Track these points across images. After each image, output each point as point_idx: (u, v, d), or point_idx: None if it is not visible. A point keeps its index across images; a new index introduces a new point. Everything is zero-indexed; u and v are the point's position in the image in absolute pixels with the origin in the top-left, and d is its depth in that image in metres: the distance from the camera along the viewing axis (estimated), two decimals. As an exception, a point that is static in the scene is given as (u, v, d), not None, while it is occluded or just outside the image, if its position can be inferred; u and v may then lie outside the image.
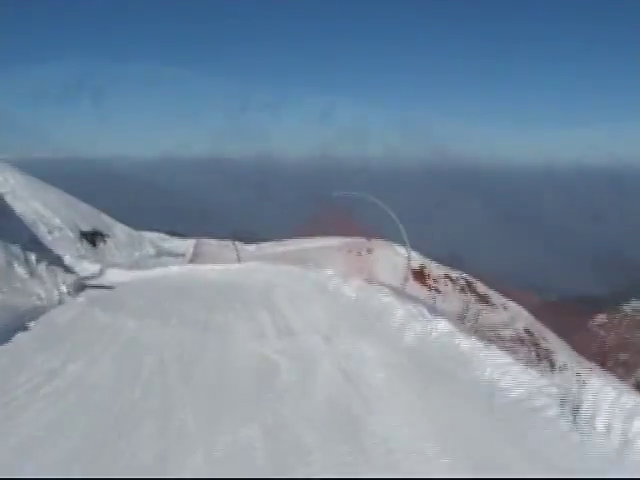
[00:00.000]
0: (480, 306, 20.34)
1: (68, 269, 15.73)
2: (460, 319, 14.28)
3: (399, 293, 10.25)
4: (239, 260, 20.27)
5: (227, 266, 17.78)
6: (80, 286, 13.79)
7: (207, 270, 17.22)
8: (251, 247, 27.88)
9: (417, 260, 24.35)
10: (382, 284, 11.51)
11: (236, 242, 21.71)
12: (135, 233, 29.51)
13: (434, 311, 8.18)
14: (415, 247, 20.88)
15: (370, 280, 12.16)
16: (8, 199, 22.49)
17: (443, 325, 6.85)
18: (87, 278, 16.67)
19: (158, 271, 18.48)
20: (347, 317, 8.72)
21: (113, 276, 17.69)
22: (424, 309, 8.09)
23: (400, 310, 7.79)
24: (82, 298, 12.51)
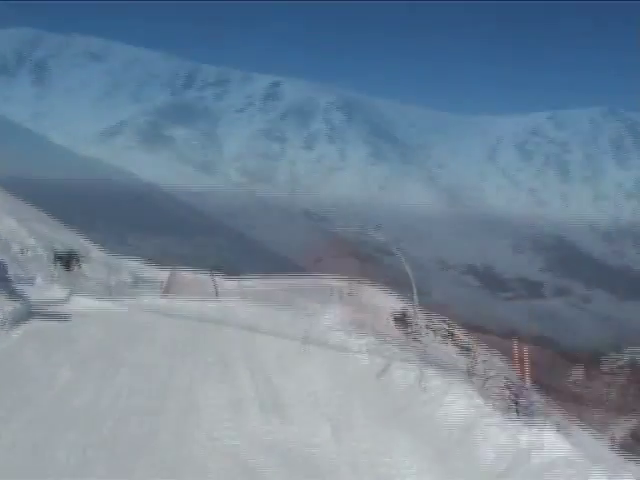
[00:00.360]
0: (486, 358, 17.32)
1: (16, 294, 12.49)
2: (469, 375, 11.29)
3: (432, 358, 7.05)
4: (217, 295, 17.17)
5: (203, 303, 14.65)
6: (23, 315, 10.61)
7: (180, 306, 14.05)
8: (231, 282, 24.61)
9: (398, 303, 21.52)
10: (404, 341, 8.49)
11: (214, 275, 18.69)
12: (113, 259, 26.42)
13: (527, 409, 5.03)
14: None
15: (380, 334, 9.07)
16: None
17: (553, 440, 3.78)
18: (48, 303, 13.62)
19: (127, 302, 15.29)
20: (362, 394, 5.65)
21: (78, 304, 14.67)
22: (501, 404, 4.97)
23: (459, 398, 4.70)
24: (19, 332, 9.36)
